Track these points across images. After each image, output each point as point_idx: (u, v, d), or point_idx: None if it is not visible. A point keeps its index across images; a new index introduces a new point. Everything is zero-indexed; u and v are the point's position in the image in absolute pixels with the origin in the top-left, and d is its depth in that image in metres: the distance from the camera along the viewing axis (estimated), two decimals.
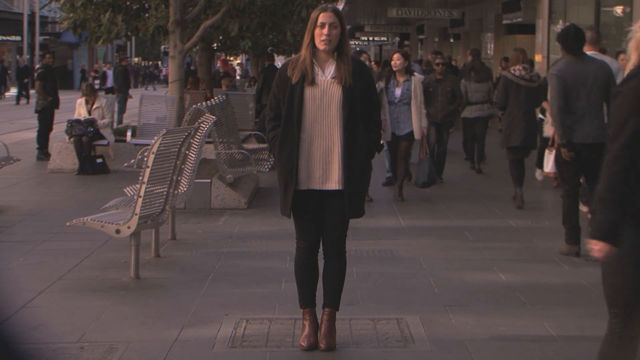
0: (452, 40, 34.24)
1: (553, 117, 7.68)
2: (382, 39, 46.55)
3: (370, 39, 46.93)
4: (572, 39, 7.77)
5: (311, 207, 5.35)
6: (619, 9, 19.28)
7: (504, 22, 24.64)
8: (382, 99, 10.49)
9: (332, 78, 5.31)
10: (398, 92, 10.76)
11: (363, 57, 13.45)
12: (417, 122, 10.77)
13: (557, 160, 7.92)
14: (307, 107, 5.29)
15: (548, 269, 7.46)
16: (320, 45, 5.28)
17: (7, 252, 8.10)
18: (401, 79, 10.84)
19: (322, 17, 5.27)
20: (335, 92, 5.29)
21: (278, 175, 5.39)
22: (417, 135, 10.81)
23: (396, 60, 10.84)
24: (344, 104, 5.28)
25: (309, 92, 5.29)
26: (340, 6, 37.09)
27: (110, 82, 28.30)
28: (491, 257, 7.83)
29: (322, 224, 5.39)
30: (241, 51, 26.33)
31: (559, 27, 22.09)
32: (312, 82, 5.29)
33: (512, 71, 10.40)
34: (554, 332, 5.77)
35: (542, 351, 5.48)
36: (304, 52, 5.33)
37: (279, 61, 27.28)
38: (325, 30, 5.26)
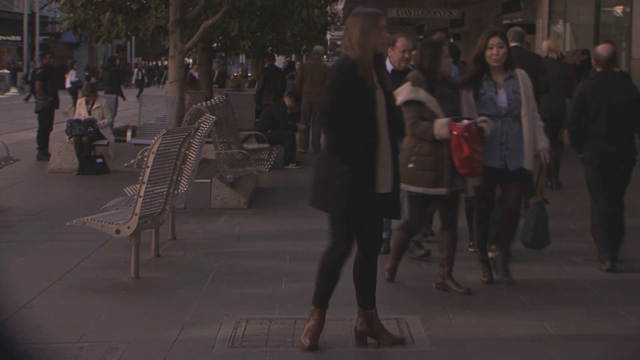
0: (452, 40, 34.24)
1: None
2: None
3: None
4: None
5: (377, 209, 5.41)
6: (619, 9, 19.28)
7: (504, 22, 24.63)
8: (472, 113, 6.77)
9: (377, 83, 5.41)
10: (502, 98, 6.83)
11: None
12: (530, 144, 6.81)
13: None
14: (378, 111, 5.37)
15: (548, 269, 7.46)
16: (381, 47, 5.46)
17: (7, 252, 8.10)
18: (501, 78, 6.89)
19: (384, 20, 5.42)
20: (381, 97, 5.38)
21: (349, 178, 5.26)
22: (530, 165, 6.86)
23: (497, 49, 6.83)
24: (393, 109, 5.48)
25: (378, 95, 5.38)
26: (340, 6, 37.14)
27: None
28: (491, 257, 7.81)
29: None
30: (241, 51, 26.30)
31: (559, 27, 22.13)
32: (376, 87, 5.40)
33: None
34: (554, 332, 5.77)
35: (542, 351, 5.48)
36: (367, 54, 5.32)
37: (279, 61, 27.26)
38: (385, 34, 5.43)
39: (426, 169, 6.56)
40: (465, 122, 6.48)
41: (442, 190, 6.57)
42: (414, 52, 7.56)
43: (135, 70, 48.57)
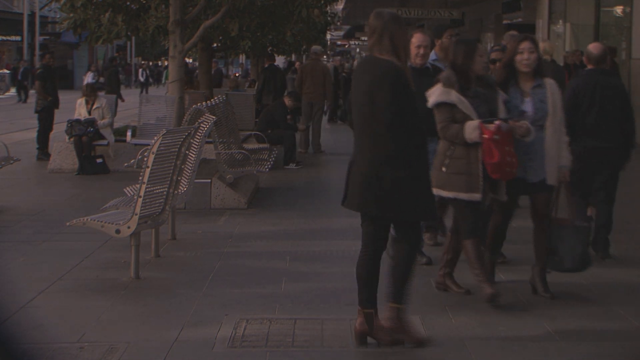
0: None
1: None
2: None
3: None
4: None
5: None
6: (619, 9, 19.28)
7: (504, 22, 24.64)
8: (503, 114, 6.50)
9: None
10: (529, 106, 6.56)
11: (336, 61, 13.18)
12: (553, 157, 6.54)
13: None
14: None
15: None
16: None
17: (7, 252, 8.10)
18: (529, 85, 6.60)
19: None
20: None
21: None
22: (553, 180, 6.60)
23: (528, 54, 6.56)
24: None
25: None
26: (340, 6, 37.13)
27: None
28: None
29: None
30: (241, 51, 26.31)
31: (559, 27, 22.13)
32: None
33: None
34: (554, 332, 5.77)
35: (542, 351, 5.48)
36: (408, 59, 5.87)
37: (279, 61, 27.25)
38: None
39: (459, 173, 6.28)
40: (495, 123, 6.20)
41: (475, 196, 6.26)
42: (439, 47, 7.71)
43: (140, 70, 48.61)
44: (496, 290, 6.27)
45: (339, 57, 40.45)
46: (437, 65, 7.68)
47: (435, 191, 6.04)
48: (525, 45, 6.55)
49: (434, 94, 6.38)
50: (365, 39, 47.72)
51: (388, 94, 5.31)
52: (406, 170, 5.32)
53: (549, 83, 6.58)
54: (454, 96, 6.30)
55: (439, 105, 6.36)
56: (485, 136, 6.16)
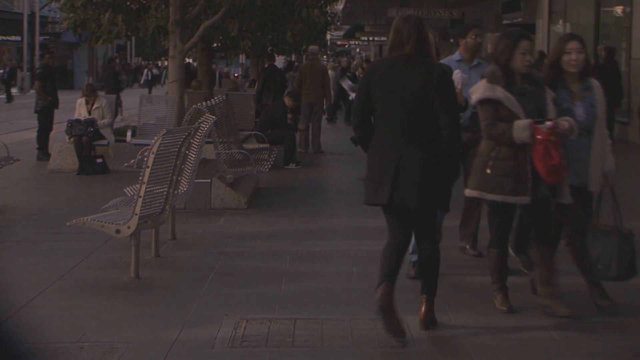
0: (452, 40, 34.25)
1: None
2: (382, 38, 46.55)
3: (370, 39, 46.96)
4: None
5: None
6: (619, 9, 19.27)
7: (504, 22, 24.65)
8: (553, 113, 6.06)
9: None
10: (580, 110, 6.17)
11: (343, 62, 13.08)
12: (598, 162, 6.20)
13: None
14: None
15: None
16: None
17: (7, 252, 8.10)
18: (577, 87, 6.24)
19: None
20: None
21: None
22: (596, 186, 6.26)
23: (576, 55, 6.17)
24: None
25: None
26: (340, 6, 37.12)
27: None
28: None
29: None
30: (241, 51, 26.31)
31: (559, 27, 22.13)
32: None
33: None
34: (554, 332, 5.77)
35: (542, 351, 5.48)
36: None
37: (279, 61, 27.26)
38: None
39: (506, 175, 5.90)
40: (549, 124, 5.84)
41: (524, 199, 5.91)
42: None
43: (145, 71, 48.63)
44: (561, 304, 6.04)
45: (345, 59, 40.42)
46: (446, 65, 7.43)
47: (478, 194, 5.96)
48: (573, 44, 6.15)
49: (478, 90, 6.06)
50: (365, 38, 47.66)
51: (454, 94, 5.77)
52: (445, 164, 5.66)
53: (596, 85, 6.25)
54: (499, 92, 5.94)
55: (483, 101, 6.02)
56: (539, 137, 5.80)
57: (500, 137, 5.92)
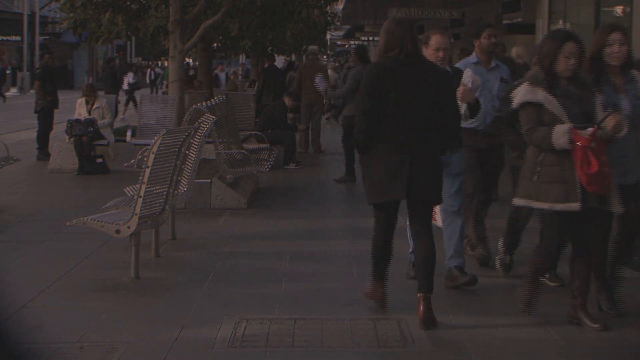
0: (452, 40, 34.25)
1: None
2: None
3: (370, 38, 46.96)
4: None
5: None
6: (619, 9, 19.27)
7: (504, 22, 24.65)
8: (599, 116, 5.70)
9: None
10: (625, 104, 5.93)
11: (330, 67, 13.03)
12: None
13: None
14: None
15: None
16: None
17: (7, 252, 8.10)
18: (620, 80, 6.02)
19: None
20: None
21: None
22: None
23: (619, 47, 5.92)
24: None
25: None
26: (340, 6, 37.12)
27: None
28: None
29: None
30: (241, 51, 26.29)
31: (559, 27, 22.11)
32: None
33: None
34: (554, 332, 5.77)
35: (542, 351, 5.48)
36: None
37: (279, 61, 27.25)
38: None
39: (552, 182, 5.59)
40: (590, 129, 5.51)
41: (573, 206, 5.54)
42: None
43: (148, 71, 48.62)
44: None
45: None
46: (457, 67, 7.18)
47: (526, 202, 5.72)
48: (615, 36, 5.87)
49: (519, 94, 5.77)
50: (365, 38, 47.58)
51: (454, 94, 6.15)
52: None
53: (639, 77, 5.98)
54: (540, 95, 5.64)
55: (524, 105, 5.72)
56: (579, 143, 5.48)
57: (540, 141, 5.63)
